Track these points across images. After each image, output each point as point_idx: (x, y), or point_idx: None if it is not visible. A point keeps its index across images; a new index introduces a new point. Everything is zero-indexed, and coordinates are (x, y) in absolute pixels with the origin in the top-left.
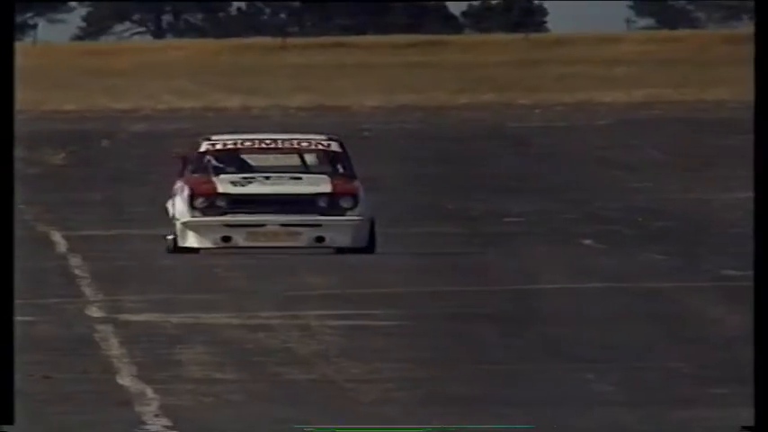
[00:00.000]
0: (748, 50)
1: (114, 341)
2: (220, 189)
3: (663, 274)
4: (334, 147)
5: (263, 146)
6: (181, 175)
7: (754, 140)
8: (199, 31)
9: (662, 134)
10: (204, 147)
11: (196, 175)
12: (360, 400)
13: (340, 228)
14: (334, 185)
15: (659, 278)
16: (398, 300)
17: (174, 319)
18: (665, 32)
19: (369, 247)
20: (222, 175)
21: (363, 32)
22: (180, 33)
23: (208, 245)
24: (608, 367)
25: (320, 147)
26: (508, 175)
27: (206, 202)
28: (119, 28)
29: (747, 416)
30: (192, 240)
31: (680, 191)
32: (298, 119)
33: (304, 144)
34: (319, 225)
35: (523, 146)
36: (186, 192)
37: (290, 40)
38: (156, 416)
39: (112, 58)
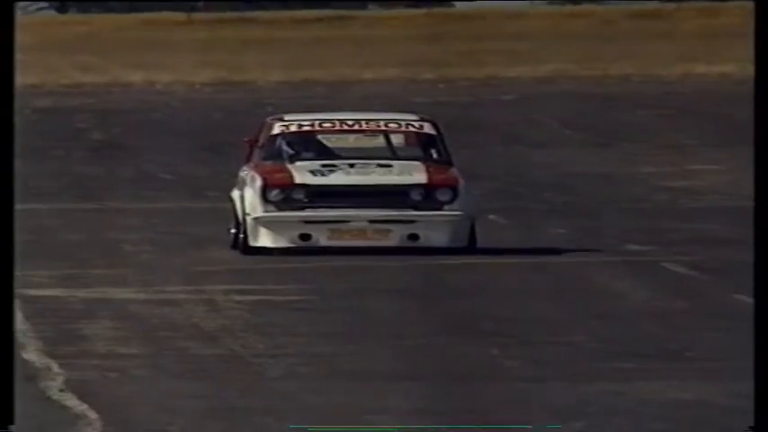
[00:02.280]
0: (653, 25)
1: (19, 316)
2: (298, 179)
3: (567, 248)
4: (428, 129)
5: (345, 127)
6: (248, 162)
7: (754, 140)
8: (103, 6)
9: (567, 109)
10: (277, 129)
11: (268, 163)
12: (265, 375)
13: (437, 224)
14: (429, 175)
15: (564, 253)
16: (304, 275)
17: (81, 293)
18: (569, 8)
19: (469, 248)
20: (298, 163)
21: (268, 7)
22: (84, 8)
23: (283, 244)
24: (513, 342)
25: (411, 128)
26: None
27: (281, 194)
28: (22, 3)
29: (650, 389)
30: (264, 239)
31: (585, 165)
32: (202, 94)
33: (392, 125)
34: (413, 221)
35: None
36: (258, 182)
37: (195, 15)
38: (62, 391)
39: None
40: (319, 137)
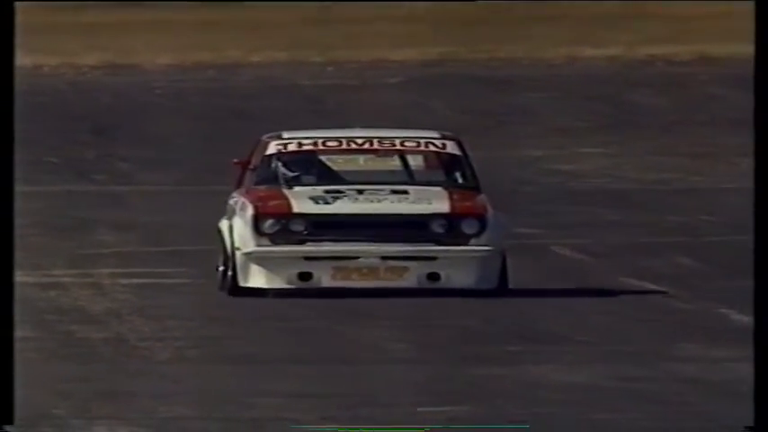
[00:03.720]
0: (540, 8)
1: None
2: (297, 208)
3: None
4: (451, 148)
5: (354, 146)
6: (238, 187)
7: (754, 140)
8: None
9: (455, 92)
10: (273, 148)
11: (262, 188)
12: (152, 359)
13: (461, 262)
14: (452, 203)
15: None
16: (190, 258)
17: None
18: None
19: (499, 289)
20: (297, 188)
21: None
22: None
23: (279, 284)
24: (399, 325)
25: (432, 148)
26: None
27: (277, 225)
28: None
29: (538, 372)
30: (257, 278)
31: (473, 149)
32: (90, 77)
33: (410, 144)
34: (433, 258)
35: (316, 103)
36: (249, 211)
37: None
38: None
39: None
40: (323, 158)
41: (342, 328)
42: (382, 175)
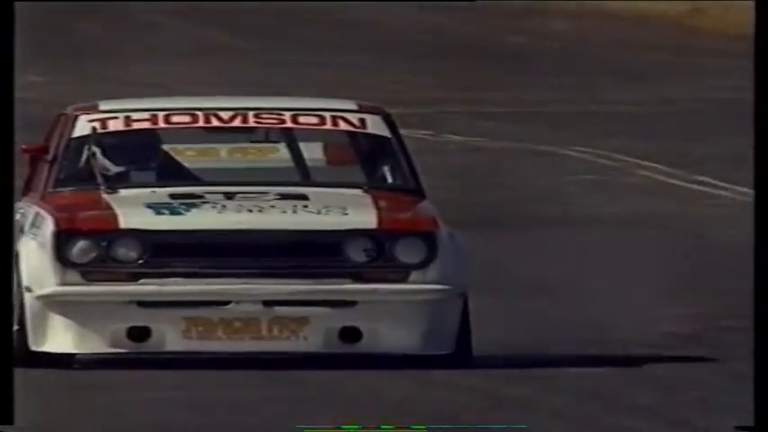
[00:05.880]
0: None
1: None
2: (126, 222)
3: None
4: (375, 126)
5: (217, 123)
6: (28, 190)
7: (754, 140)
8: None
9: None
10: (85, 127)
11: (68, 191)
12: None
13: (395, 309)
14: (381, 214)
15: None
16: None
17: None
18: None
19: (458, 356)
20: (126, 192)
21: None
22: None
23: (97, 347)
24: None
25: (343, 126)
26: None
27: (94, 249)
28: None
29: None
30: (61, 338)
31: None
32: None
33: (306, 120)
34: (351, 303)
35: None
36: (49, 227)
37: None
38: None
39: None
40: (166, 146)
41: None
42: (261, 173)
